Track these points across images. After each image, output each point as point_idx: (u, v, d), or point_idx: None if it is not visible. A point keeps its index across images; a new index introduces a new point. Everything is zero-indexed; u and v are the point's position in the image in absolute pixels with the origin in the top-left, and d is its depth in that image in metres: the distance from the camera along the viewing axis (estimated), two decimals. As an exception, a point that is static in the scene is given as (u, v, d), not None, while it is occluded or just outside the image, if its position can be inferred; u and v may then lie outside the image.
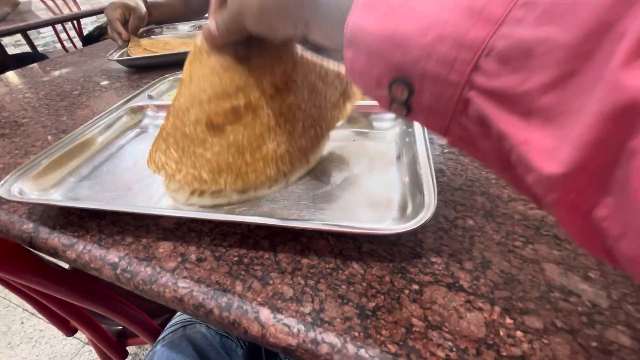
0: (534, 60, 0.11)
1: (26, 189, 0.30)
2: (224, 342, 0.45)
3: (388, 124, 0.36)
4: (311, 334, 0.19)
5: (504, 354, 0.17)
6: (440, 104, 0.14)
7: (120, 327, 0.56)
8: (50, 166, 0.32)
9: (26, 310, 1.11)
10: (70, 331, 0.58)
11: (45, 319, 1.06)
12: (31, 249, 0.30)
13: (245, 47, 0.27)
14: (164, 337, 0.45)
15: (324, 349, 0.18)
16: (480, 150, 0.15)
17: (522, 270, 0.21)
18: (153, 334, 0.51)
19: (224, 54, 0.27)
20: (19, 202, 0.29)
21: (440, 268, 0.22)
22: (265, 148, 0.27)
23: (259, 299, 0.21)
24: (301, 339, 0.19)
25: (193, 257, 0.24)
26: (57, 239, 0.27)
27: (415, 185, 0.26)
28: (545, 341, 0.18)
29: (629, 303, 0.19)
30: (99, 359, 0.86)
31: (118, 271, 0.24)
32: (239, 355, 0.46)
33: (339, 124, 0.30)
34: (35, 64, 0.76)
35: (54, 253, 0.27)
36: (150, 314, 0.52)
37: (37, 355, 0.99)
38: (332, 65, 0.30)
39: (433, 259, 0.23)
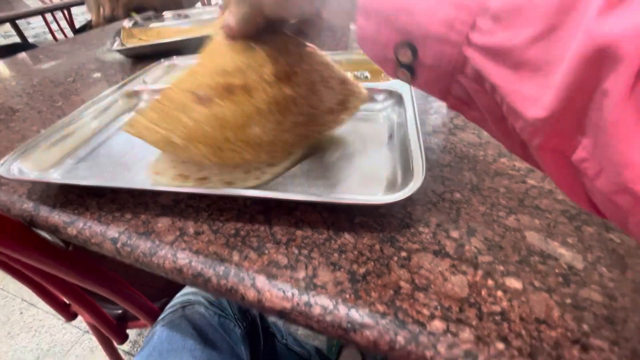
0: (522, 18, 0.13)
1: (25, 169, 0.30)
2: (223, 322, 0.46)
3: (380, 106, 0.37)
4: (304, 297, 0.20)
5: (485, 310, 0.19)
6: (442, 63, 0.15)
7: (120, 311, 0.57)
8: (49, 148, 0.33)
9: (25, 300, 1.12)
10: (70, 316, 0.59)
11: (44, 308, 1.07)
12: (33, 228, 0.31)
13: (256, 38, 0.27)
14: (163, 317, 0.46)
15: (316, 310, 0.20)
16: (477, 108, 0.16)
17: (505, 237, 0.23)
18: (153, 317, 0.52)
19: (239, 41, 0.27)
20: (18, 181, 0.30)
21: (427, 237, 0.23)
22: (250, 130, 0.26)
23: (255, 267, 0.22)
24: (295, 302, 0.20)
25: (191, 230, 0.25)
26: (58, 217, 0.28)
27: (406, 161, 0.27)
28: (523, 299, 0.19)
29: (603, 265, 0.21)
30: (99, 346, 0.88)
31: (118, 245, 0.25)
32: (237, 334, 0.47)
33: (329, 131, 0.29)
34: (25, 52, 0.76)
35: (55, 230, 0.28)
36: (150, 297, 0.53)
37: (37, 344, 1.00)
38: (338, 71, 0.30)
39: (421, 229, 0.24)
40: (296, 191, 0.27)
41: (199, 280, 0.23)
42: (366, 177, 0.28)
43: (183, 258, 0.23)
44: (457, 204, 0.25)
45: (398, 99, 0.35)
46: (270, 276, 0.21)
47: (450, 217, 0.24)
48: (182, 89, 0.27)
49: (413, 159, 0.25)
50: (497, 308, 0.19)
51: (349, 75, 0.34)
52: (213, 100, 0.25)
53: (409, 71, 0.17)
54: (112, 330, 0.55)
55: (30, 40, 2.74)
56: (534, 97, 0.13)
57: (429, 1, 0.15)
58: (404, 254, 0.22)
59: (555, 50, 0.12)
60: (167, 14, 0.85)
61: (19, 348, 0.99)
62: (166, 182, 0.28)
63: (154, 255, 0.24)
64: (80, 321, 1.04)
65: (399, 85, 0.37)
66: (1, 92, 0.55)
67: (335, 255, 0.22)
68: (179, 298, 0.48)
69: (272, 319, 0.58)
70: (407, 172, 0.26)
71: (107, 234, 0.26)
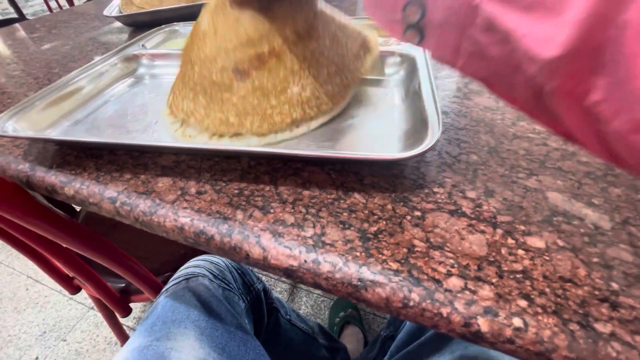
0: None
1: (20, 128, 0.29)
2: (227, 294, 0.45)
3: (392, 70, 0.35)
4: (312, 255, 0.19)
5: (505, 269, 0.17)
6: (452, 17, 0.15)
7: (123, 285, 0.57)
8: (44, 109, 0.31)
9: (30, 277, 1.13)
10: (73, 289, 0.59)
11: (49, 285, 1.08)
12: (33, 195, 0.30)
13: (263, 4, 0.28)
14: (167, 289, 0.46)
15: (325, 267, 0.19)
16: (489, 61, 0.15)
17: (525, 198, 0.21)
18: (156, 290, 0.52)
19: (247, 6, 0.28)
20: (14, 138, 0.29)
21: (442, 197, 0.22)
22: (289, 91, 0.27)
23: (260, 226, 0.21)
24: (302, 260, 0.19)
25: (193, 190, 0.24)
26: (55, 177, 0.27)
27: (420, 121, 0.25)
28: (547, 258, 0.18)
29: (632, 225, 0.19)
30: (104, 322, 0.89)
31: (117, 204, 0.24)
32: (242, 307, 0.47)
33: (364, 75, 0.29)
34: (24, 22, 0.73)
35: (52, 190, 0.27)
36: (152, 271, 0.53)
37: (43, 319, 1.02)
38: (347, 19, 0.30)
39: (436, 190, 0.22)
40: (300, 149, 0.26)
41: (202, 239, 0.22)
42: (377, 140, 0.26)
43: (184, 216, 0.22)
44: (473, 165, 0.24)
45: (410, 62, 0.34)
46: (276, 234, 0.20)
47: (466, 178, 0.23)
48: (220, 69, 0.28)
49: (428, 117, 0.24)
50: (518, 266, 0.18)
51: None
52: (250, 73, 0.27)
53: (418, 32, 0.17)
54: (115, 303, 0.55)
55: (29, 18, 2.69)
56: (549, 37, 0.12)
57: None
58: (417, 213, 0.21)
59: None
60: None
61: (25, 323, 1.01)
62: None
63: (154, 214, 0.23)
64: (86, 297, 1.05)
65: (412, 49, 0.35)
66: (-3, 60, 0.53)
67: (345, 214, 0.21)
68: (182, 271, 0.47)
69: (276, 294, 0.57)
70: (422, 131, 0.24)
71: (106, 193, 0.25)
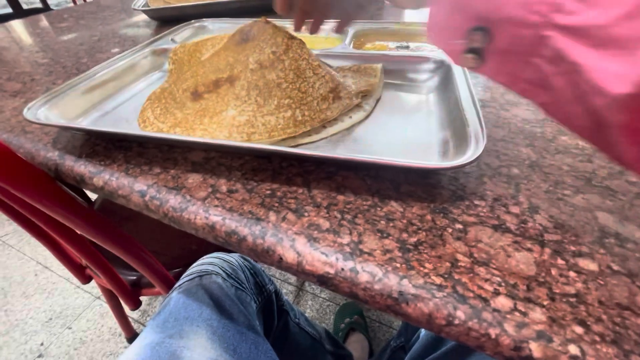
0: None
1: (52, 115, 0.29)
2: (239, 294, 0.45)
3: (425, 76, 0.34)
4: (350, 263, 0.18)
5: (557, 291, 0.16)
6: (518, 46, 0.15)
7: (134, 277, 0.57)
8: (75, 98, 0.31)
9: (40, 263, 1.15)
10: (85, 279, 0.60)
11: (58, 272, 1.09)
12: (57, 182, 0.30)
13: (248, 32, 0.32)
14: (179, 285, 0.45)
15: (363, 277, 0.18)
16: (551, 90, 0.16)
17: (573, 216, 0.20)
18: (168, 284, 0.51)
19: (231, 41, 0.32)
20: (45, 125, 0.28)
21: (484, 210, 0.21)
22: (224, 114, 0.27)
23: (294, 229, 0.20)
24: (339, 267, 0.18)
25: (224, 188, 0.24)
26: (84, 167, 0.27)
27: (459, 130, 0.25)
28: (601, 282, 0.17)
29: (691, 252, 0.18)
30: (110, 312, 0.89)
31: (147, 198, 0.24)
32: (253, 308, 0.46)
33: (331, 119, 0.28)
34: (53, 11, 0.75)
35: (81, 180, 0.27)
36: (164, 265, 0.52)
37: (50, 306, 1.02)
38: (326, 65, 0.31)
39: (476, 202, 0.21)
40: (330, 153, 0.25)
41: (233, 239, 0.21)
42: (413, 146, 0.26)
43: (216, 215, 0.22)
44: (515, 179, 0.23)
45: (445, 69, 0.33)
46: (312, 239, 0.20)
47: (508, 192, 0.22)
48: (184, 88, 0.31)
49: (470, 126, 0.23)
50: (571, 289, 0.17)
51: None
52: (202, 95, 0.29)
53: (478, 56, 0.17)
54: (126, 295, 0.54)
55: (54, 8, 2.75)
56: (621, 74, 0.12)
57: None
58: (459, 226, 0.20)
59: None
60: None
61: (32, 308, 1.02)
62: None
63: (185, 210, 0.22)
64: (93, 287, 1.06)
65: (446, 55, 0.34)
66: (26, 47, 0.54)
67: (382, 222, 0.20)
68: (196, 267, 0.47)
69: (286, 297, 0.57)
70: (461, 140, 0.24)
71: (135, 186, 0.25)
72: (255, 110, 0.27)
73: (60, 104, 0.30)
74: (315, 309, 0.98)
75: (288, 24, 0.46)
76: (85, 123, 0.30)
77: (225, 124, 0.26)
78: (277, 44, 0.29)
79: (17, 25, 0.67)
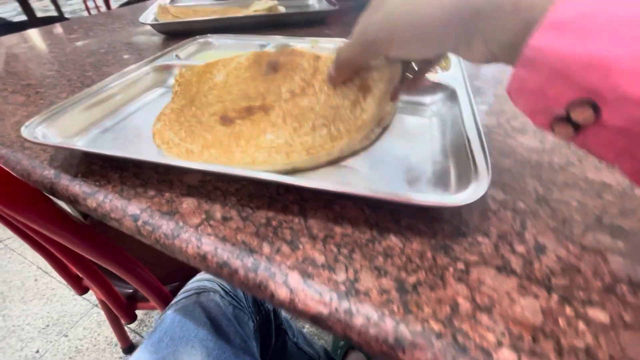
0: None
1: (50, 134, 0.29)
2: (237, 313, 0.44)
3: (429, 100, 0.33)
4: (345, 304, 0.17)
5: (565, 344, 0.15)
6: (635, 125, 0.14)
7: (130, 291, 0.56)
8: (75, 115, 0.31)
9: (40, 268, 1.14)
10: (81, 290, 0.59)
11: (58, 278, 1.09)
12: (51, 197, 0.29)
13: (275, 62, 0.32)
14: (176, 302, 0.44)
15: (358, 320, 0.17)
16: None
17: (582, 259, 0.19)
18: (163, 300, 0.50)
19: (256, 70, 0.33)
20: (41, 145, 0.28)
21: (488, 249, 0.20)
22: (262, 138, 0.27)
23: (288, 263, 0.19)
24: (333, 308, 0.17)
25: (218, 215, 0.23)
26: (78, 187, 0.26)
27: (462, 160, 0.24)
28: (613, 335, 0.16)
29: None
30: (107, 321, 0.88)
31: (139, 223, 0.23)
32: (250, 328, 0.45)
33: (367, 121, 0.27)
34: (64, 22, 0.76)
35: (75, 201, 0.26)
36: (160, 279, 0.52)
37: (47, 312, 1.02)
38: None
39: (480, 239, 0.20)
40: (335, 182, 0.25)
41: (224, 271, 0.20)
42: (414, 175, 0.25)
43: (208, 244, 0.21)
44: (521, 214, 0.22)
45: (449, 93, 0.32)
46: (305, 275, 0.19)
47: (513, 229, 0.21)
48: (211, 113, 0.30)
49: (475, 158, 0.22)
50: (580, 343, 0.15)
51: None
52: (234, 121, 0.29)
53: (574, 128, 0.16)
54: (121, 309, 0.54)
55: (67, 16, 2.82)
56: None
57: (632, 60, 0.13)
58: (460, 265, 0.19)
59: None
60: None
61: (30, 314, 1.01)
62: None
63: (177, 237, 0.22)
64: (91, 294, 1.05)
65: (451, 79, 0.33)
66: (34, 58, 0.55)
67: (380, 258, 0.20)
68: (193, 283, 0.46)
69: (285, 315, 0.55)
70: (465, 172, 0.23)
71: (128, 209, 0.24)
72: (292, 134, 0.27)
73: (59, 121, 0.30)
74: (314, 325, 0.96)
75: (307, 42, 0.46)
76: (83, 141, 0.30)
77: (264, 146, 0.26)
78: (305, 69, 0.31)
79: (29, 35, 0.68)
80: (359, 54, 0.23)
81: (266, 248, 0.20)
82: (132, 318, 0.57)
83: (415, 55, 0.22)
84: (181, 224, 0.22)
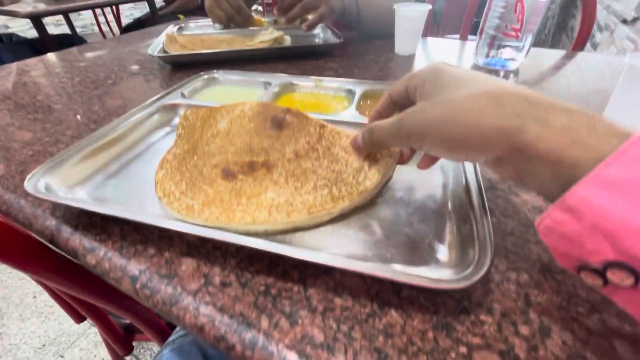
0: None
1: (53, 184, 0.29)
2: (232, 354, 0.43)
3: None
4: (343, 393, 0.17)
5: None
6: None
7: (128, 322, 0.55)
8: (79, 161, 0.31)
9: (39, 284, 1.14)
10: (79, 318, 0.58)
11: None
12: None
13: (281, 120, 0.33)
14: (173, 341, 0.44)
15: (357, 413, 0.16)
16: None
17: (589, 344, 0.19)
18: (161, 333, 0.50)
19: (260, 122, 0.33)
20: (42, 200, 0.28)
21: (491, 330, 0.19)
22: (263, 196, 0.27)
23: (286, 341, 0.19)
24: (331, 397, 0.17)
25: (217, 280, 0.23)
26: (79, 241, 0.26)
27: (463, 229, 0.24)
28: None
29: None
30: (104, 342, 0.87)
31: (137, 286, 0.23)
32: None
33: (370, 188, 0.27)
34: (74, 48, 0.77)
35: (74, 256, 0.26)
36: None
37: (45, 331, 1.01)
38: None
39: (483, 317, 0.20)
40: (336, 245, 0.24)
41: (221, 345, 0.20)
42: (414, 242, 0.25)
43: (206, 315, 0.21)
44: (525, 288, 0.22)
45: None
46: (304, 356, 0.18)
47: (517, 306, 0.21)
48: (213, 164, 0.30)
49: (477, 231, 0.22)
50: None
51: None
52: (237, 176, 0.29)
53: (603, 279, 0.15)
54: (118, 341, 0.53)
55: (79, 30, 2.89)
56: None
57: None
58: (463, 349, 0.19)
59: None
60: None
61: (27, 332, 1.01)
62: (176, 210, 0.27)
63: (175, 305, 0.22)
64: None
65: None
66: (45, 87, 0.56)
67: (381, 338, 0.19)
68: (189, 321, 0.46)
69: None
70: (465, 244, 0.23)
71: (127, 269, 0.24)
72: (293, 192, 0.27)
73: (63, 169, 0.30)
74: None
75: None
76: (86, 190, 0.30)
77: (265, 205, 0.26)
78: (310, 133, 0.31)
79: (38, 63, 0.69)
80: (392, 140, 0.24)
81: (264, 322, 0.20)
82: (129, 349, 0.56)
83: (441, 156, 0.24)
84: (179, 289, 0.22)
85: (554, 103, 0.17)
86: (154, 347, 0.96)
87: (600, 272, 0.15)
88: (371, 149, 0.27)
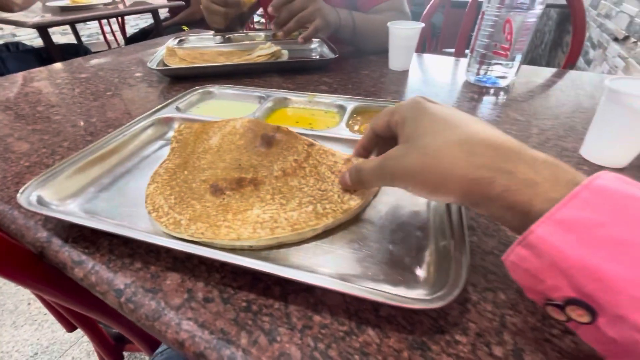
0: None
1: (46, 196, 0.29)
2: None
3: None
4: (316, 412, 0.17)
5: None
6: (631, 345, 0.14)
7: (118, 331, 0.55)
8: (73, 174, 0.32)
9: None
10: (70, 327, 0.58)
11: (50, 304, 1.08)
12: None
13: (271, 138, 0.34)
14: (161, 352, 0.44)
15: None
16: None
17: (560, 367, 0.19)
18: (150, 344, 0.50)
19: (250, 139, 0.34)
20: (34, 213, 0.29)
21: (465, 350, 0.20)
22: (249, 212, 0.27)
23: (264, 358, 0.19)
24: (304, 416, 0.17)
25: (200, 295, 0.23)
26: (68, 254, 0.27)
27: (442, 249, 0.24)
28: None
29: None
30: (95, 352, 0.86)
31: (122, 300, 0.23)
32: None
33: (354, 208, 0.28)
34: (77, 59, 0.79)
35: (63, 268, 0.27)
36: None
37: (38, 339, 1.00)
38: (341, 154, 0.32)
39: (458, 337, 0.20)
40: (317, 264, 0.25)
41: (200, 361, 0.20)
42: (395, 260, 0.25)
43: (187, 330, 0.21)
44: (501, 308, 0.22)
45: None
46: (280, 374, 0.19)
47: (492, 326, 0.21)
48: (202, 179, 0.31)
49: (455, 251, 0.23)
50: None
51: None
52: (225, 192, 0.29)
53: (566, 315, 0.16)
54: (108, 351, 0.53)
55: (84, 39, 2.95)
56: None
57: (635, 285, 0.13)
58: (436, 369, 0.19)
59: None
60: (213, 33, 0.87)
61: (20, 340, 1.00)
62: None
63: (157, 320, 0.22)
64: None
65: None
66: (45, 98, 0.57)
67: (357, 357, 0.19)
68: (179, 333, 0.46)
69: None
70: (443, 263, 0.23)
71: (114, 283, 0.24)
72: (278, 209, 0.28)
73: (56, 182, 0.31)
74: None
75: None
76: (77, 202, 0.31)
77: (250, 221, 0.27)
78: (299, 152, 0.32)
79: (41, 73, 0.71)
80: (377, 182, 0.26)
81: (244, 338, 0.20)
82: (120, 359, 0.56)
83: (426, 198, 0.27)
84: (163, 304, 0.23)
85: (521, 153, 0.18)
86: (145, 358, 0.96)
87: (562, 308, 0.16)
88: (358, 188, 0.28)
